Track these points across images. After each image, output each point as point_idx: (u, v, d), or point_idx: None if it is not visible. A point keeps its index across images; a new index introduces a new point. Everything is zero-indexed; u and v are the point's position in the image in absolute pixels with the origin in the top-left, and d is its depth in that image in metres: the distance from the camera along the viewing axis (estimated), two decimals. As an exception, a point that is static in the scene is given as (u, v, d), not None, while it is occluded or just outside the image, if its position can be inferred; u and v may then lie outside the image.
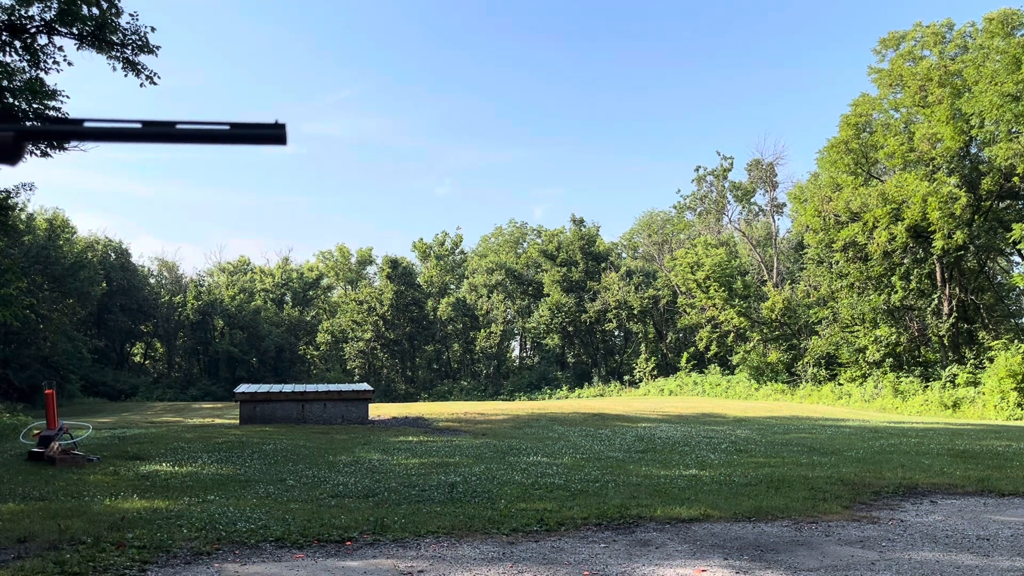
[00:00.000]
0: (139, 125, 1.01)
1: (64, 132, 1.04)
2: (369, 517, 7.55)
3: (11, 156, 1.03)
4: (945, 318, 32.77)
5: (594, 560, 6.20)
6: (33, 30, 16.29)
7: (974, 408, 27.75)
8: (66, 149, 17.21)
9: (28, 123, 1.05)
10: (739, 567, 6.01)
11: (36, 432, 13.61)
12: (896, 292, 33.58)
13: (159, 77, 17.07)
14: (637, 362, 52.06)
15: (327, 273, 69.28)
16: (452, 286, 65.91)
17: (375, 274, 66.77)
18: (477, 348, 59.40)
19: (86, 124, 1.00)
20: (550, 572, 5.86)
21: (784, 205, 48.19)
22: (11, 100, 15.94)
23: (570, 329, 56.10)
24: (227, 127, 1.03)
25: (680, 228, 54.13)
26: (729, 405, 31.53)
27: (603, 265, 56.13)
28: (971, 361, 31.16)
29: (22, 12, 15.99)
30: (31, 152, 16.83)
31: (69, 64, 17.00)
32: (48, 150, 16.98)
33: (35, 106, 16.25)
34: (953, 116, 31.21)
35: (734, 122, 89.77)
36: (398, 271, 59.01)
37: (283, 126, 1.05)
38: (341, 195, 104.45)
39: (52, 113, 16.63)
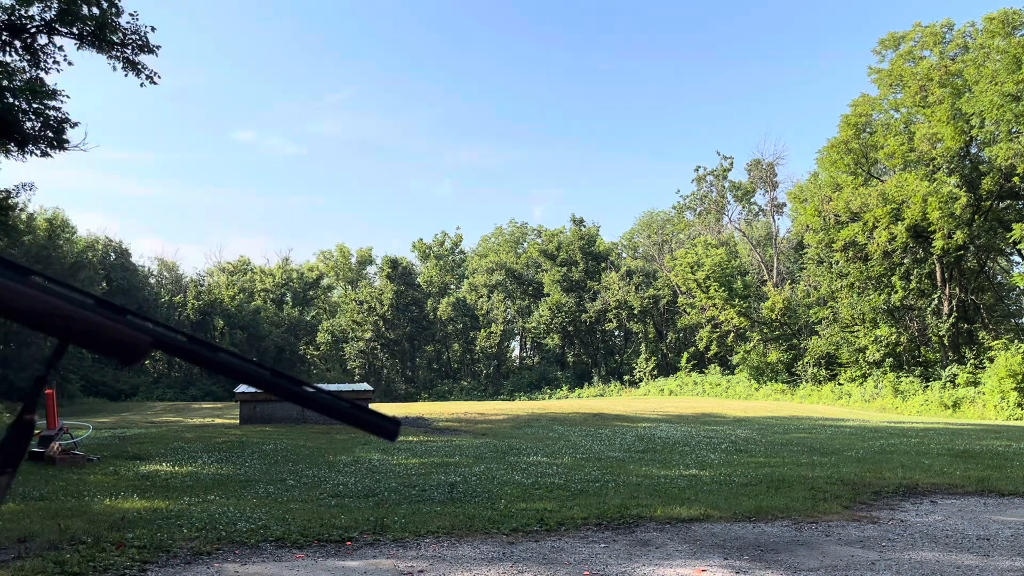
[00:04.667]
0: (269, 373, 1.03)
1: (198, 356, 1.00)
2: (369, 517, 7.55)
3: (139, 358, 0.99)
4: (945, 318, 32.76)
5: (594, 560, 6.19)
6: (33, 30, 16.29)
7: (974, 408, 27.75)
8: (66, 149, 17.17)
9: (159, 329, 1.01)
10: (739, 567, 6.00)
11: (36, 432, 13.61)
12: (896, 292, 33.58)
13: (159, 77, 17.08)
14: (637, 362, 52.05)
15: (327, 273, 69.24)
16: (452, 286, 65.88)
17: (375, 274, 66.75)
18: (477, 348, 59.38)
19: (220, 355, 1.01)
20: (550, 572, 5.85)
21: (784, 205, 48.24)
22: (11, 100, 15.94)
23: (570, 329, 56.09)
24: (347, 405, 1.07)
25: (680, 228, 54.11)
26: (729, 405, 31.52)
27: (603, 265, 56.11)
28: (971, 361, 31.15)
29: (22, 12, 16.00)
30: (33, 151, 16.79)
31: (69, 64, 17.02)
32: (48, 150, 16.96)
33: (35, 106, 16.24)
34: (953, 116, 31.21)
35: (734, 122, 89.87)
36: (398, 271, 59.00)
37: (399, 424, 1.09)
38: (341, 195, 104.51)
39: (52, 113, 16.60)
